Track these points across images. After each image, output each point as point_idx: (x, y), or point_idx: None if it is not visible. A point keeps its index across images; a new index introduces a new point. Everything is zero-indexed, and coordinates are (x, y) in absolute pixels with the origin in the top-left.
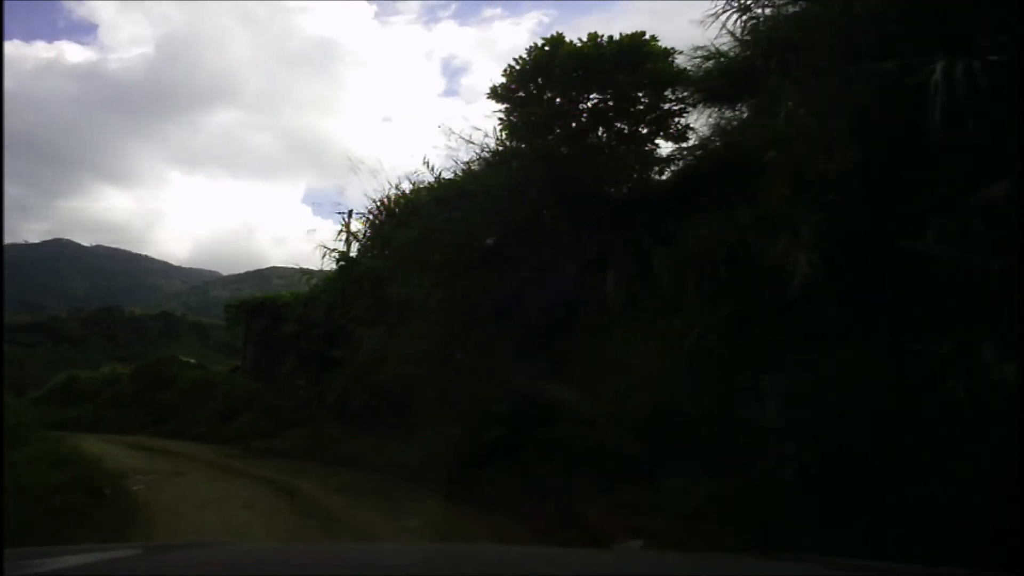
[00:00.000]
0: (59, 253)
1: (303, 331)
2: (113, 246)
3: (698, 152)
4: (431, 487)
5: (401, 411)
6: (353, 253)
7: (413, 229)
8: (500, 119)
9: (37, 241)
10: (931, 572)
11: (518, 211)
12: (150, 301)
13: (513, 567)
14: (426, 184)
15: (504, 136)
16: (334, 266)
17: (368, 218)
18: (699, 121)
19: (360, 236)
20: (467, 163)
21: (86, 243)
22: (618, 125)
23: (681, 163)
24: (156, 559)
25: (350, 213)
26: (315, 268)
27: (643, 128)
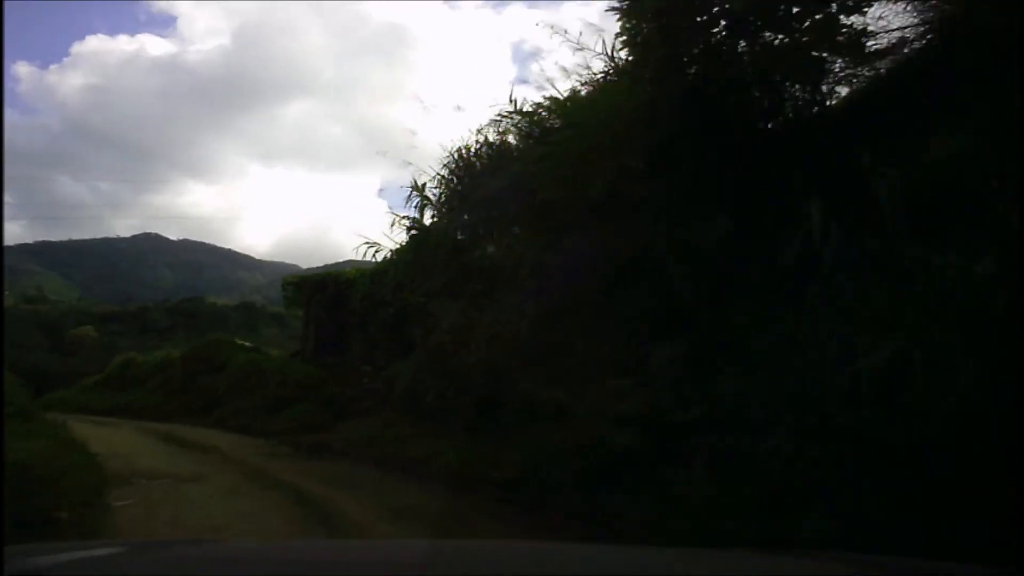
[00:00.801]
0: (148, 247)
1: (369, 311)
2: (198, 240)
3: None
4: (532, 511)
5: (487, 407)
6: (428, 220)
7: (502, 176)
8: (622, 29)
9: (128, 235)
10: (931, 566)
11: (644, 144)
12: (233, 293)
13: (516, 563)
14: (515, 123)
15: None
16: (405, 237)
17: (443, 177)
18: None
19: (435, 198)
20: (571, 90)
21: (173, 237)
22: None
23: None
24: (157, 555)
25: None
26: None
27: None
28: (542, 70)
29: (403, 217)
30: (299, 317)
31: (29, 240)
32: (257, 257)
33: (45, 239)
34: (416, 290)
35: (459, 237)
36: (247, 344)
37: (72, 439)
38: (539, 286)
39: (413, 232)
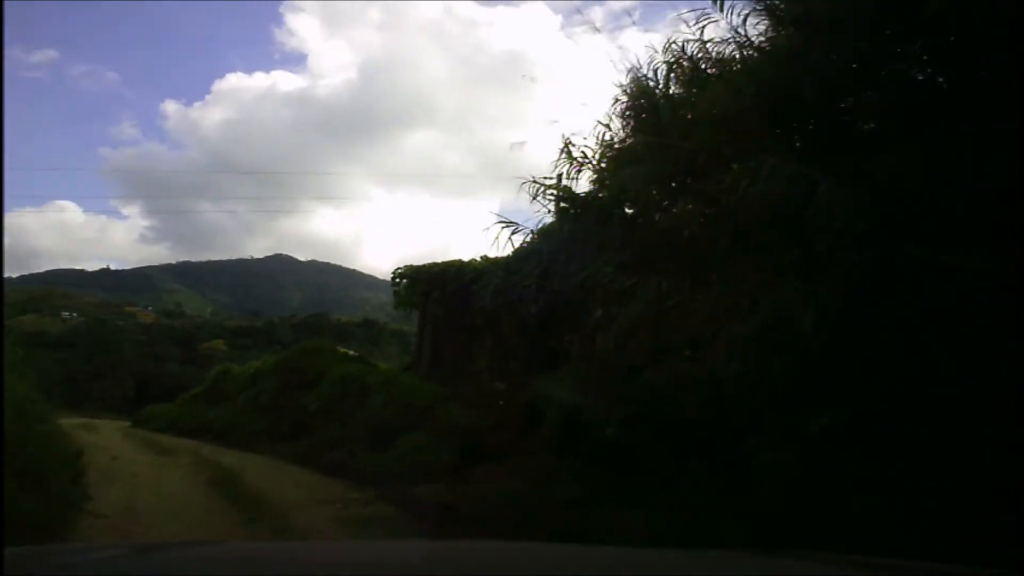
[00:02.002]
0: (279, 267)
1: (504, 309)
2: (325, 260)
3: None
4: None
5: (703, 447)
6: (582, 189)
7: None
8: None
9: (261, 256)
10: (931, 568)
11: None
12: (357, 311)
13: (516, 564)
14: None
15: None
16: (549, 217)
17: (607, 125)
18: None
19: (595, 158)
20: None
21: (302, 258)
22: None
23: None
24: (155, 558)
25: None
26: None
27: None
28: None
29: (547, 186)
30: (412, 332)
31: (172, 261)
32: (380, 277)
33: (187, 260)
34: (568, 280)
35: (653, 192)
36: (350, 352)
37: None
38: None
39: (564, 206)
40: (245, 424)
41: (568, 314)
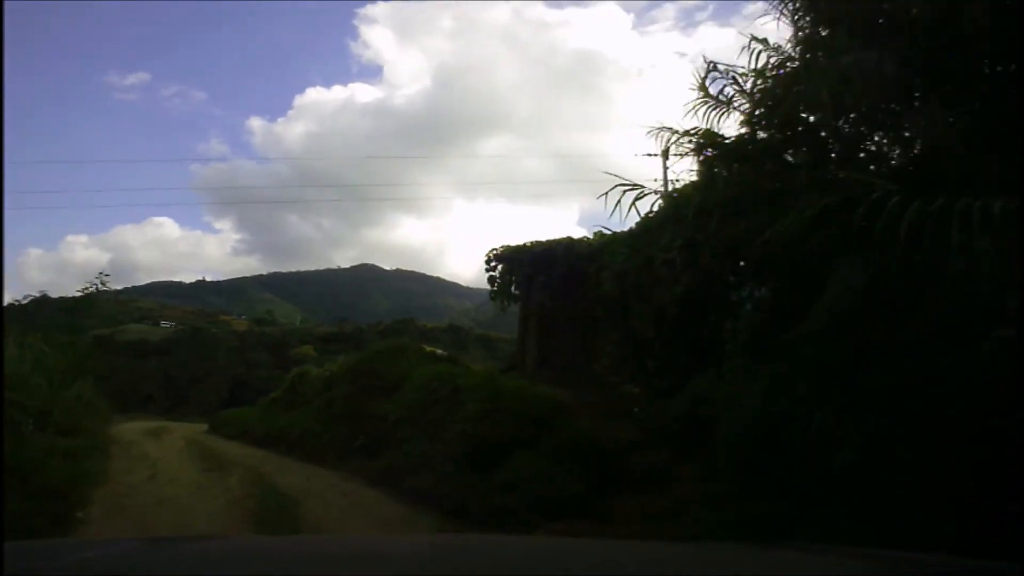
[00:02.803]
0: (365, 276)
1: (633, 294)
2: (410, 269)
3: None
4: None
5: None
6: (730, 132)
7: None
8: None
9: (347, 266)
10: (931, 559)
11: None
12: (442, 318)
13: (521, 558)
14: None
15: None
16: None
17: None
18: None
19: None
20: None
21: (387, 267)
22: None
23: None
24: (159, 552)
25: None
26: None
27: None
28: None
29: (689, 132)
30: (500, 337)
31: (263, 272)
32: (464, 284)
33: (276, 270)
34: (721, 251)
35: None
36: (438, 351)
37: None
38: None
39: (709, 151)
40: (318, 434)
41: (721, 295)
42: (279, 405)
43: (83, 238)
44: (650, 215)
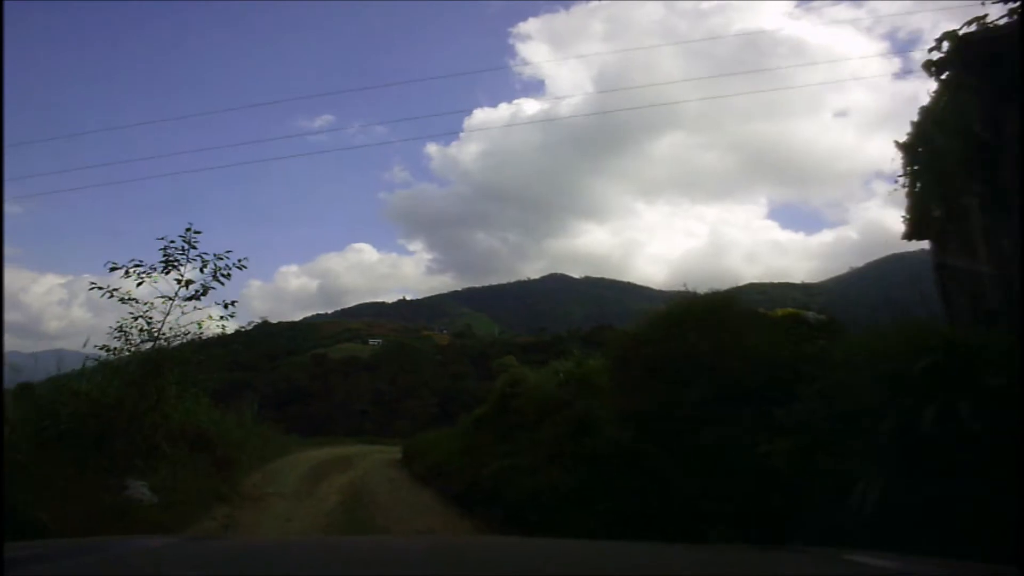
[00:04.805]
0: (555, 286)
1: None
2: (598, 276)
3: None
4: None
5: None
6: None
7: None
8: None
9: (537, 277)
10: (929, 562)
11: None
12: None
13: (515, 560)
14: None
15: None
16: None
17: None
18: None
19: None
20: None
21: (576, 275)
22: None
23: None
24: (153, 554)
25: None
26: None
27: None
28: None
29: None
30: None
31: (458, 288)
32: (655, 288)
33: (470, 286)
34: None
35: None
36: (806, 313)
37: None
38: None
39: None
40: (564, 496)
41: None
42: (486, 427)
43: (293, 268)
44: None
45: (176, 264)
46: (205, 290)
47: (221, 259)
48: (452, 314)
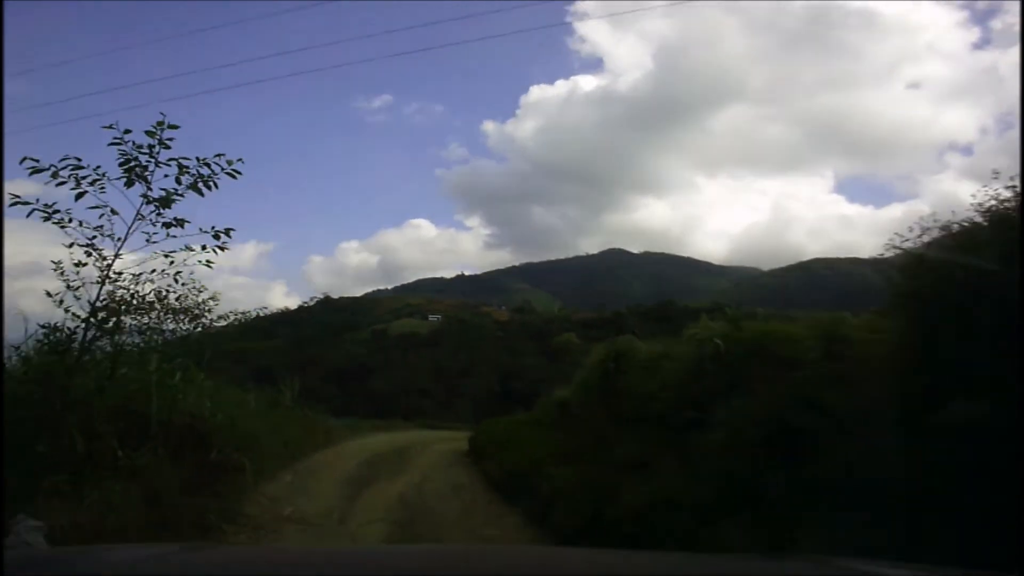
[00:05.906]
0: (613, 261)
1: None
2: (658, 251)
3: None
4: None
5: None
6: None
7: None
8: None
9: (595, 252)
10: (929, 570)
11: None
12: (698, 298)
13: (516, 568)
14: None
15: None
16: None
17: None
18: None
19: None
20: None
21: (635, 250)
22: None
23: None
24: (152, 561)
25: None
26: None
27: None
28: None
29: None
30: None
31: (516, 263)
32: (716, 263)
33: (528, 261)
34: None
35: None
36: None
37: None
38: None
39: None
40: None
41: None
42: (576, 415)
43: (354, 243)
44: None
45: (141, 174)
46: (167, 201)
47: (206, 164)
48: (510, 290)
